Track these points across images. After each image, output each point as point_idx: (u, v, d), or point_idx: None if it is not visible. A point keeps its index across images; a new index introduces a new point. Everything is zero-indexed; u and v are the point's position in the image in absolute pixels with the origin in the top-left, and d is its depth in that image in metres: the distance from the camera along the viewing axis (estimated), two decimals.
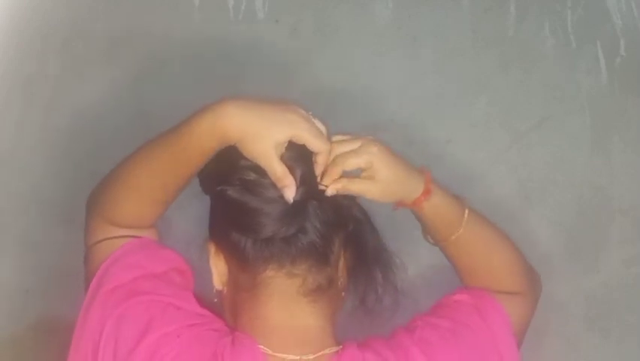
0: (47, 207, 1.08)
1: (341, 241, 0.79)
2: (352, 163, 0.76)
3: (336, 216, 0.78)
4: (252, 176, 0.73)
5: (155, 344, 0.73)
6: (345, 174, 0.77)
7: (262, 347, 0.74)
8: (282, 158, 0.73)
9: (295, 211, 0.74)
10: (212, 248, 0.80)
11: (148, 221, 0.83)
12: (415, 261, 1.06)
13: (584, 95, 1.11)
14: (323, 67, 1.11)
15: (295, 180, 0.73)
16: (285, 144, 0.73)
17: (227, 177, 0.74)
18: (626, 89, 1.11)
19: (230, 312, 0.80)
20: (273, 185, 0.73)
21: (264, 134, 0.72)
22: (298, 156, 0.74)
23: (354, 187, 0.77)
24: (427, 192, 0.80)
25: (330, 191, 0.76)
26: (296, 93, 1.09)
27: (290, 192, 0.72)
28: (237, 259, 0.77)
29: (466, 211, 0.84)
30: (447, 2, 1.12)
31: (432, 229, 0.85)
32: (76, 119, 1.09)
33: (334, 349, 0.76)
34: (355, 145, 0.77)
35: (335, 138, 0.78)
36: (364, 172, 0.77)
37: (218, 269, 0.79)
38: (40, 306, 1.06)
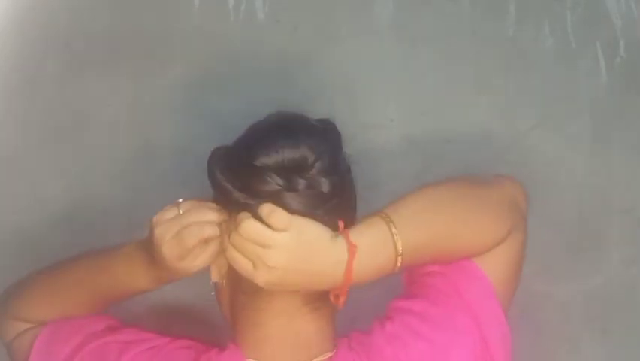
0: (47, 207, 1.08)
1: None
2: (241, 263, 0.69)
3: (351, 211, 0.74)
4: (280, 184, 0.69)
5: None
6: None
7: (251, 360, 0.73)
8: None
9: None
10: None
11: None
12: None
13: (584, 95, 1.11)
14: (323, 67, 1.11)
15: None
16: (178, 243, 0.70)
17: (252, 185, 0.69)
18: (626, 90, 1.11)
19: (227, 308, 0.78)
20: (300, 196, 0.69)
21: (164, 266, 0.72)
22: (331, 209, 0.70)
23: None
24: (352, 251, 0.68)
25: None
26: (296, 93, 1.09)
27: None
28: None
29: (393, 229, 0.71)
30: (447, 3, 1.12)
31: (379, 274, 0.72)
32: (77, 119, 1.09)
33: (328, 355, 0.74)
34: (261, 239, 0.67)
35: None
36: None
37: (218, 261, 0.74)
38: None
